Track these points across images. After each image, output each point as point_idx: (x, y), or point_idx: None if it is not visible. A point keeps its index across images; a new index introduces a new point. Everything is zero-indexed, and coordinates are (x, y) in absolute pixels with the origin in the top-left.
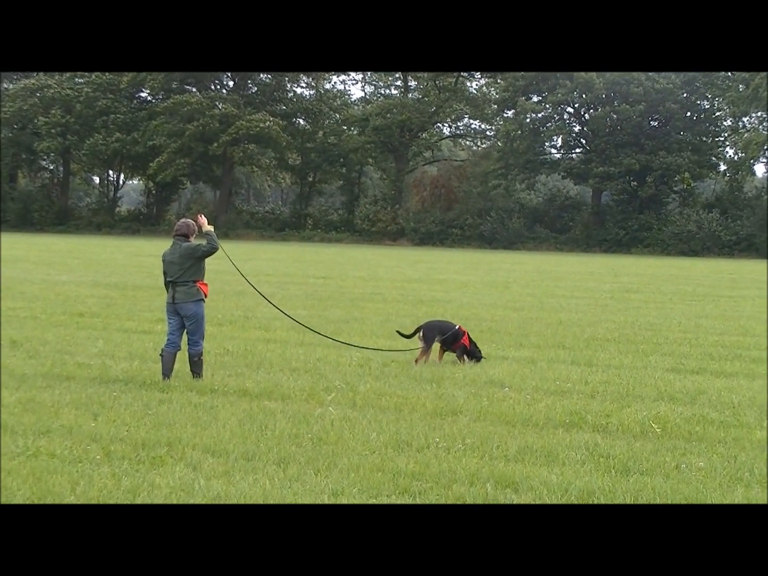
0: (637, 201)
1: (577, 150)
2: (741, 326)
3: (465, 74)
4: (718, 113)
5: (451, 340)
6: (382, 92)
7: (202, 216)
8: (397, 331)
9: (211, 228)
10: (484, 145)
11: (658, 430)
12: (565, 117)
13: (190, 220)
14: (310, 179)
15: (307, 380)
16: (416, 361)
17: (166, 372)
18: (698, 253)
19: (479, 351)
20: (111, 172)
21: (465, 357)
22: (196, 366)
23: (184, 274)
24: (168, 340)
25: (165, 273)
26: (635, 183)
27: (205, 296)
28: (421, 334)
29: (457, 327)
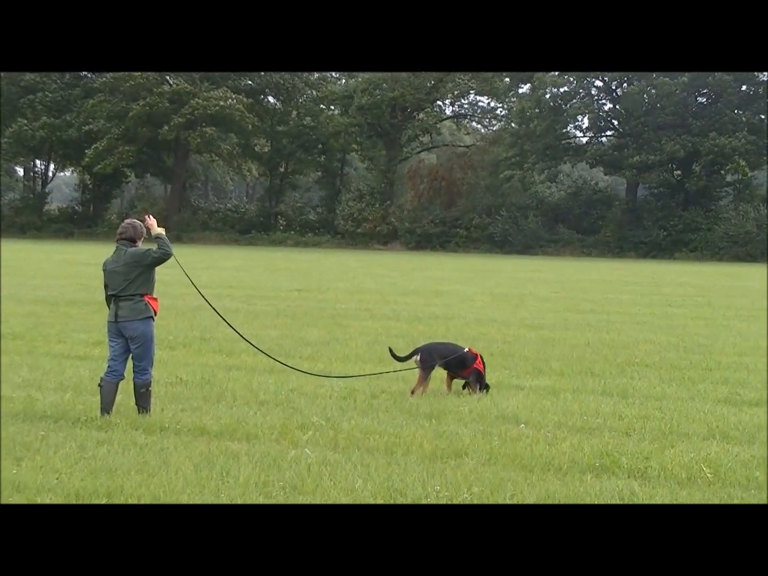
0: (681, 195)
1: (608, 133)
2: None
3: None
4: None
5: (456, 364)
6: None
7: (151, 216)
8: (390, 350)
9: (162, 231)
10: (494, 128)
11: (709, 475)
12: (592, 92)
13: (136, 221)
14: (282, 170)
15: (279, 416)
16: (412, 391)
17: (106, 406)
18: (757, 258)
19: (488, 386)
20: (38, 162)
21: (477, 386)
22: (142, 399)
23: (129, 286)
24: (109, 367)
25: (106, 285)
26: (679, 173)
27: (155, 313)
28: (418, 358)
29: (465, 350)
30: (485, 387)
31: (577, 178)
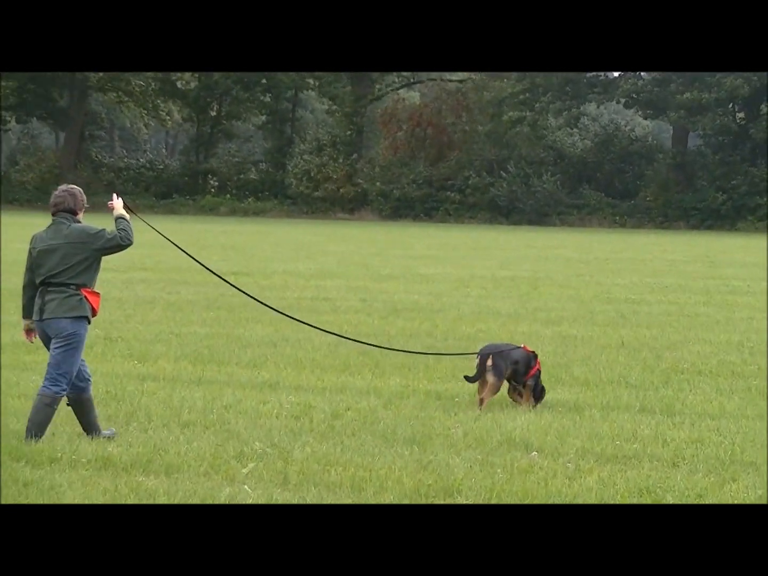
0: (746, 146)
1: None
2: None
3: None
4: None
5: (524, 368)
6: None
7: (118, 197)
8: (464, 377)
9: (125, 213)
10: None
11: None
12: None
13: (75, 188)
14: (213, 113)
15: (209, 441)
16: (481, 402)
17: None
18: None
19: (544, 390)
20: None
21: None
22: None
23: (64, 272)
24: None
25: (31, 269)
26: (743, 116)
27: (94, 314)
28: (490, 363)
29: (521, 347)
30: (541, 394)
31: (607, 123)
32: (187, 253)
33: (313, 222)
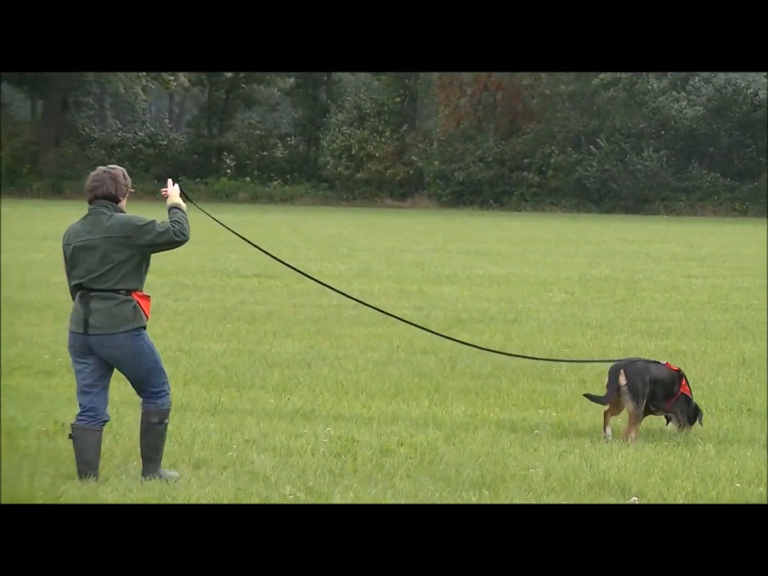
0: None
1: None
2: None
3: None
4: None
5: (664, 391)
6: None
7: (173, 183)
8: (585, 395)
9: (181, 202)
10: None
11: None
12: None
13: (117, 169)
14: (229, 74)
15: (227, 485)
16: (626, 435)
17: (86, 466)
18: None
19: (700, 411)
20: None
21: (683, 420)
22: (153, 437)
23: (108, 275)
24: (81, 405)
25: (69, 271)
26: None
27: (146, 317)
28: (625, 382)
29: (663, 363)
30: (696, 416)
31: (723, 85)
32: (272, 256)
33: (354, 210)
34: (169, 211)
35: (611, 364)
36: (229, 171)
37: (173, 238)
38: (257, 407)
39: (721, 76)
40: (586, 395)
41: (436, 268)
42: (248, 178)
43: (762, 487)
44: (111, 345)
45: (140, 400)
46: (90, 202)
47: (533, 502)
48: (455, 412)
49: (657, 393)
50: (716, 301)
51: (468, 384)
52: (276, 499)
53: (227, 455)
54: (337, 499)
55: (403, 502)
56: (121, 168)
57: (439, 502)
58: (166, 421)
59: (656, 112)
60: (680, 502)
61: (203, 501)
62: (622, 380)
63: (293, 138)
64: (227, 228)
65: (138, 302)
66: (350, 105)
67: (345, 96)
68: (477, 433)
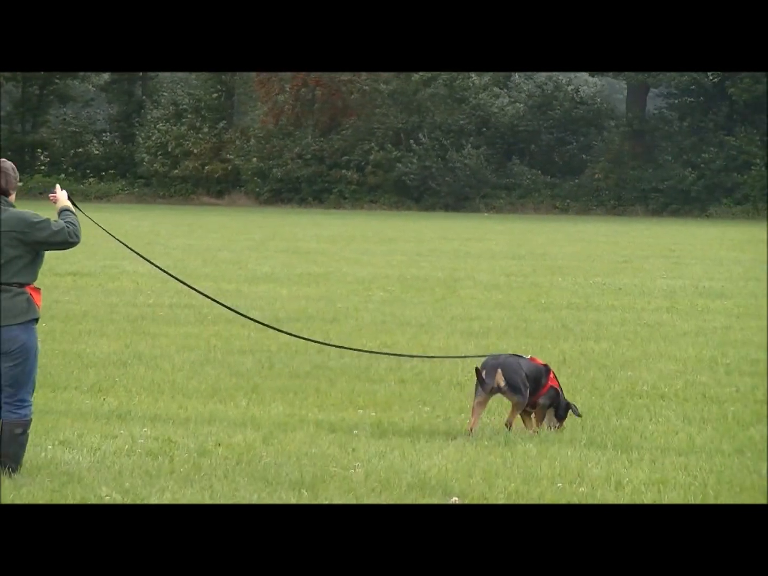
0: (721, 109)
1: None
2: None
3: None
4: None
5: (534, 387)
6: None
7: (60, 188)
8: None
9: (71, 205)
10: None
11: None
12: None
13: (7, 163)
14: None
15: (42, 486)
16: (507, 424)
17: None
18: None
19: (571, 404)
20: None
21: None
22: (14, 446)
23: (5, 269)
24: None
25: None
26: (717, 72)
27: (38, 309)
28: (503, 382)
29: (528, 358)
30: (566, 413)
31: (545, 82)
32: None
33: (170, 208)
34: (60, 213)
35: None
36: (43, 168)
37: (67, 238)
38: (72, 408)
39: (542, 74)
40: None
41: (254, 267)
42: (63, 175)
43: (583, 486)
44: (4, 336)
45: None
46: None
47: (354, 502)
48: (273, 412)
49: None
50: (536, 299)
51: (286, 384)
52: (92, 500)
53: (41, 456)
54: (154, 500)
55: (221, 502)
56: (10, 162)
57: (257, 503)
58: (28, 431)
59: (477, 109)
60: (502, 501)
61: (18, 501)
62: (500, 379)
63: (109, 134)
64: (115, 237)
65: (31, 295)
66: (167, 101)
67: (161, 92)
68: (296, 434)
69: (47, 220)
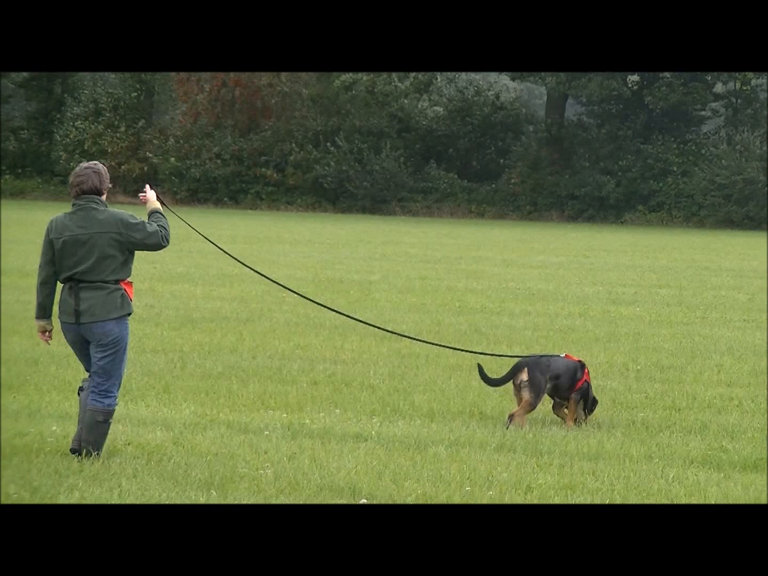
0: (638, 117)
1: None
2: None
3: None
4: None
5: (568, 383)
6: None
7: (150, 187)
8: (479, 368)
9: (160, 207)
10: None
11: None
12: None
13: (99, 165)
14: None
15: None
16: (510, 416)
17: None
18: (762, 223)
19: (596, 400)
20: None
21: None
22: (94, 433)
23: (100, 267)
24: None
25: (51, 261)
26: (636, 79)
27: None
28: (525, 377)
29: (563, 356)
30: (593, 407)
31: (465, 86)
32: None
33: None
34: (151, 215)
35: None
36: None
37: (160, 242)
38: None
39: (463, 77)
40: (480, 372)
41: (168, 266)
42: None
43: (492, 490)
44: (99, 330)
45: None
46: (75, 197)
47: (262, 503)
48: (184, 413)
49: (560, 385)
50: (451, 303)
51: (198, 384)
52: (0, 500)
53: None
54: (62, 499)
55: (129, 501)
56: (102, 164)
57: (166, 502)
58: (110, 420)
59: (397, 112)
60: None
61: None
62: (524, 376)
63: (26, 131)
64: (204, 236)
65: (125, 290)
66: (86, 99)
67: (82, 89)
68: (206, 434)
69: (143, 222)
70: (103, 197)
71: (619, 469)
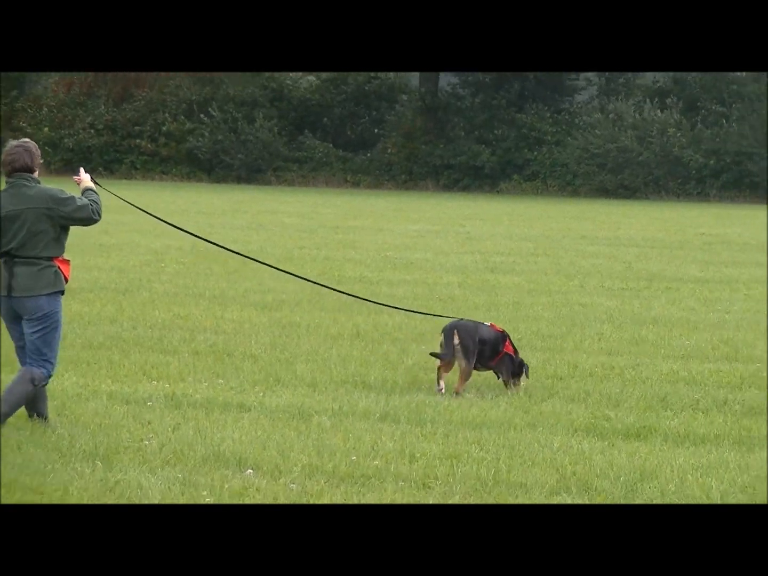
0: (513, 86)
1: None
2: None
3: None
4: None
5: (491, 350)
6: None
7: (83, 170)
8: (432, 354)
9: (94, 186)
10: None
11: None
12: None
13: (30, 143)
14: None
15: None
16: (457, 390)
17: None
18: (636, 192)
19: (525, 364)
20: None
21: (512, 378)
22: (36, 400)
23: (32, 243)
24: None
25: None
26: None
27: (66, 280)
28: (457, 341)
29: (488, 325)
30: (521, 370)
31: None
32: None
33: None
34: (83, 192)
35: (445, 322)
36: None
37: (90, 215)
38: None
39: None
40: (432, 354)
41: None
42: None
43: (378, 460)
44: (30, 305)
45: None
46: (8, 175)
47: (148, 474)
48: (66, 384)
49: (484, 352)
50: (330, 273)
51: (79, 355)
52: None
53: None
54: None
55: (14, 475)
56: (33, 142)
57: (51, 474)
58: (43, 383)
59: (270, 81)
60: (296, 474)
61: None
62: (456, 341)
63: None
64: (138, 207)
65: (59, 267)
66: None
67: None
68: (88, 405)
69: (73, 197)
70: (35, 174)
71: (504, 438)
